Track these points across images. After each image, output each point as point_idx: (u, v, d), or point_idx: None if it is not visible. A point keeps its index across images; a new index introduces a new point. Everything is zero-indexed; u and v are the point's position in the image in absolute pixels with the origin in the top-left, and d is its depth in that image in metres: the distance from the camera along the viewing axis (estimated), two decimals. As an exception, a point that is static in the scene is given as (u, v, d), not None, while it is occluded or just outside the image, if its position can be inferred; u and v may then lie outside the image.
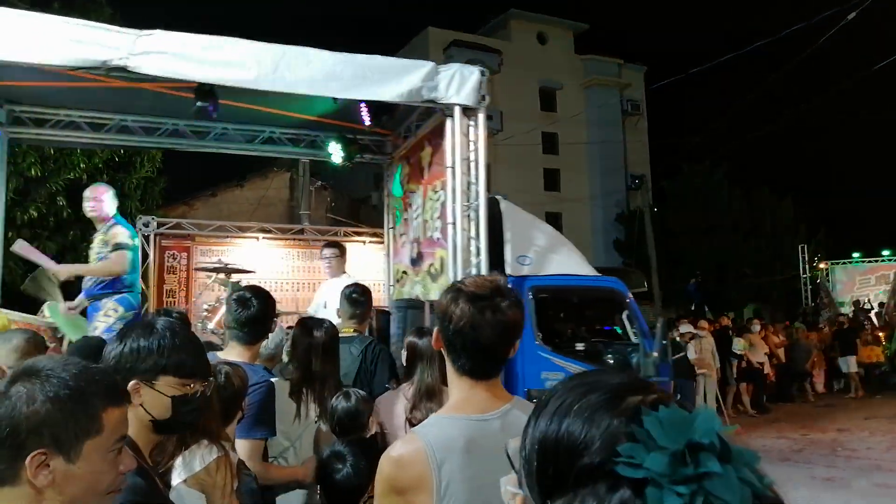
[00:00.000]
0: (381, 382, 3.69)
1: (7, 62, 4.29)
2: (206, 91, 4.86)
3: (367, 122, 5.85)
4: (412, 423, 2.90)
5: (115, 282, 5.18)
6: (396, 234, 7.46)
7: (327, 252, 6.11)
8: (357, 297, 4.11)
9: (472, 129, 5.34)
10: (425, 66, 5.09)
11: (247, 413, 2.43)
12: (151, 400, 1.55)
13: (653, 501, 0.62)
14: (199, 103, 4.90)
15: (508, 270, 5.70)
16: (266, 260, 8.47)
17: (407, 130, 6.79)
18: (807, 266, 19.01)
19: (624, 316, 6.13)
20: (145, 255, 8.33)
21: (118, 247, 5.12)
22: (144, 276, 8.26)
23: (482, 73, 5.25)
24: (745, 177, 23.94)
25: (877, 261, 19.79)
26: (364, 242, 9.29)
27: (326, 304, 5.74)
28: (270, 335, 3.22)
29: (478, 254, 5.30)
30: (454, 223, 5.31)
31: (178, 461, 1.90)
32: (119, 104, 6.19)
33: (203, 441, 1.91)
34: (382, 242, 9.38)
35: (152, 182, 12.54)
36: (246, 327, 2.86)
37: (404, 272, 7.01)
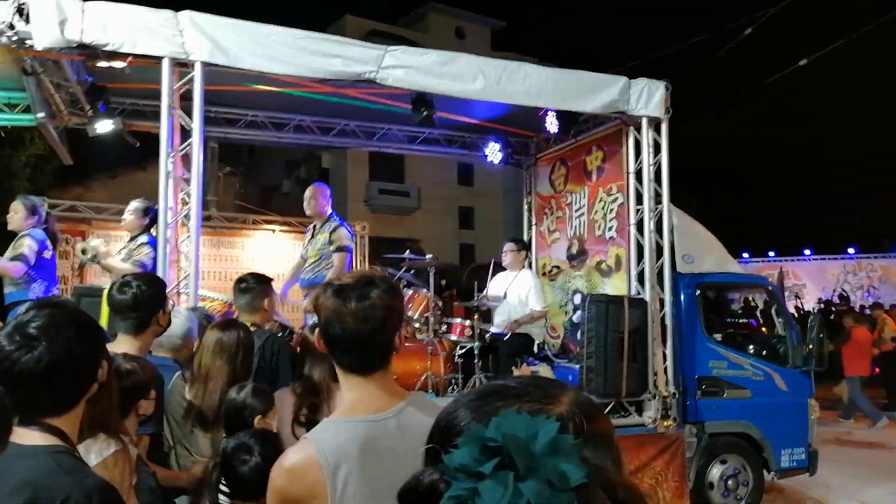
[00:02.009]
0: (286, 381, 3.42)
1: (267, 74, 4.67)
2: (427, 101, 5.30)
3: (556, 130, 6.37)
4: (299, 421, 2.79)
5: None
6: (541, 230, 8.00)
7: (506, 247, 6.54)
8: (245, 285, 3.80)
9: (655, 138, 5.90)
10: (620, 81, 5.62)
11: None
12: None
13: (450, 491, 0.62)
14: (424, 112, 5.36)
15: (678, 268, 6.18)
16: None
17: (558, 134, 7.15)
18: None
19: (773, 310, 6.80)
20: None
21: (340, 249, 5.59)
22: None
23: (667, 89, 5.77)
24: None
25: (764, 261, 21.13)
26: (273, 231, 9.07)
27: (507, 294, 6.25)
28: (176, 323, 3.08)
29: (660, 254, 5.86)
30: (640, 224, 5.89)
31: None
32: (297, 105, 6.42)
33: (100, 435, 1.81)
34: (294, 231, 9.20)
35: (44, 160, 11.64)
36: (121, 315, 2.70)
37: (557, 266, 7.57)
